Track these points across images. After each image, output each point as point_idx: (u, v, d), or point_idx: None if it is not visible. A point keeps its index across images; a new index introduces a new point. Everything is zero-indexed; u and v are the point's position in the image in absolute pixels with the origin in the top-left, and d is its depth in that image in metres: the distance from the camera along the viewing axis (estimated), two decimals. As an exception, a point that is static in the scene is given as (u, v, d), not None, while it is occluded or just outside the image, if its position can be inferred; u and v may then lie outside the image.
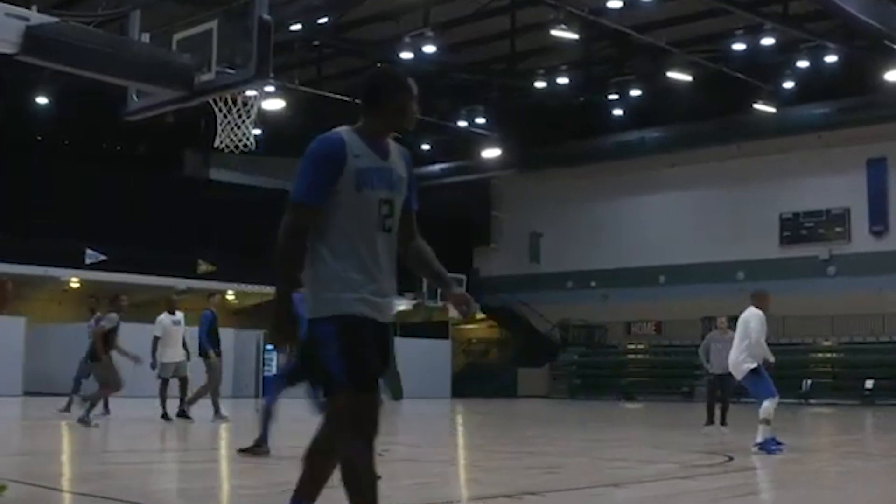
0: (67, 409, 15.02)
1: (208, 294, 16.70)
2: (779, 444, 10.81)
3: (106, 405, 15.27)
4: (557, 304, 38.01)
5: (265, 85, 16.59)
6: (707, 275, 34.59)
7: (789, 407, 23.83)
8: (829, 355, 32.20)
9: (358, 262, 4.01)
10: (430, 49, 27.10)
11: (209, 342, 15.23)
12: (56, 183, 29.04)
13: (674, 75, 29.07)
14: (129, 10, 11.46)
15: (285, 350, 4.06)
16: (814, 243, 33.71)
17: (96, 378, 14.75)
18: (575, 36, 25.63)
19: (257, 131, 14.49)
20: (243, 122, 12.42)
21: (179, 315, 16.07)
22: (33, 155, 31.75)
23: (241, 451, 9.35)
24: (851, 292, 31.58)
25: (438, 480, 8.41)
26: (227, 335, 19.00)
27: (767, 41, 26.71)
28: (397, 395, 26.97)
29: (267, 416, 9.38)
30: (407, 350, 25.35)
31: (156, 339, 15.58)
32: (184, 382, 15.80)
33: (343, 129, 4.10)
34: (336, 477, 4.07)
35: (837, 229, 33.51)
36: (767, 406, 10.68)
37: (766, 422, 10.65)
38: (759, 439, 10.65)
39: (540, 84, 31.26)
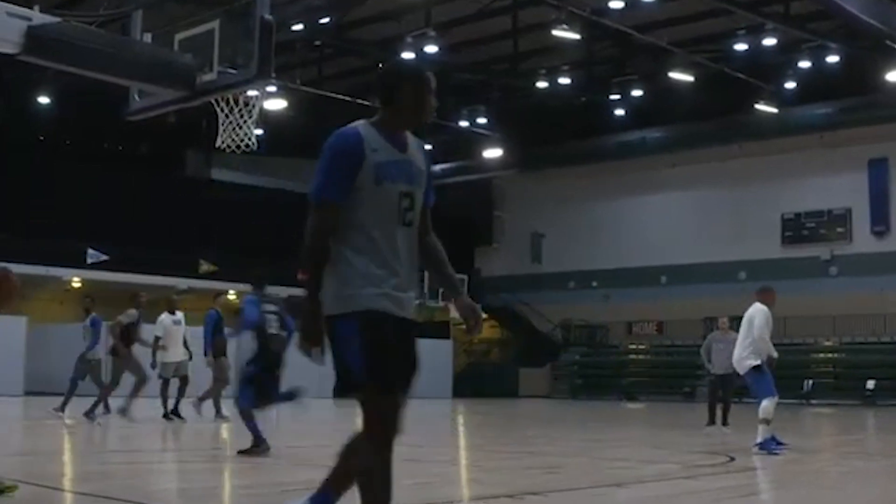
0: (62, 409, 15.05)
1: (214, 294, 16.71)
2: (780, 443, 10.82)
3: (106, 405, 15.28)
4: (559, 304, 38.03)
5: (267, 85, 16.58)
6: (708, 275, 34.60)
7: (790, 407, 23.84)
8: (830, 355, 32.21)
9: (379, 257, 3.96)
10: (431, 49, 27.09)
11: (213, 343, 15.23)
12: (57, 183, 29.08)
13: (675, 75, 29.07)
14: (130, 10, 11.46)
15: (310, 354, 3.95)
16: (815, 243, 33.71)
17: (115, 373, 15.14)
18: (576, 36, 25.65)
19: (259, 131, 14.48)
20: (245, 122, 12.42)
21: (180, 315, 16.14)
22: (35, 155, 31.81)
23: (241, 452, 9.36)
24: (853, 292, 31.58)
25: (439, 480, 8.41)
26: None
27: (769, 41, 26.70)
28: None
29: (248, 419, 9.40)
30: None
31: (156, 339, 15.64)
32: (184, 382, 15.84)
33: (360, 124, 4.06)
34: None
35: (839, 229, 33.52)
36: (767, 405, 10.68)
37: (766, 422, 10.65)
38: (760, 439, 10.66)
39: (541, 84, 31.29)
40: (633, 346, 36.82)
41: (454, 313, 25.96)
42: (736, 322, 11.91)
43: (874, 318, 31.05)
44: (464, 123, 33.74)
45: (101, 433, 13.21)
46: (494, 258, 41.08)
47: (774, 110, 30.29)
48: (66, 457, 10.55)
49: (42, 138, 34.33)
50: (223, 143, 12.61)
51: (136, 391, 14.82)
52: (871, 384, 29.60)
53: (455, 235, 35.03)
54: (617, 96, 32.27)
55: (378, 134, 4.03)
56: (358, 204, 3.95)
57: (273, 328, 9.52)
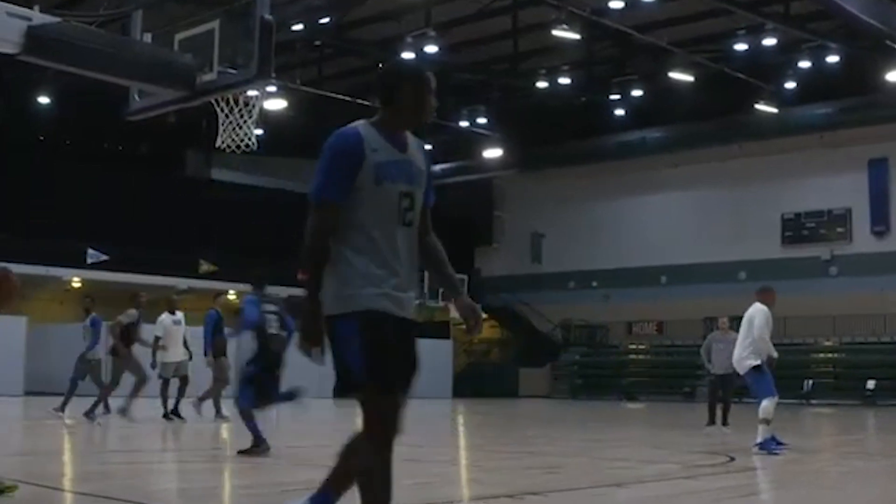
0: (62, 409, 15.06)
1: (214, 294, 16.71)
2: (780, 443, 10.82)
3: (106, 405, 15.29)
4: (559, 304, 38.03)
5: (267, 85, 16.58)
6: (708, 275, 34.61)
7: (790, 407, 23.83)
8: (830, 355, 32.21)
9: (379, 257, 3.96)
10: (431, 49, 27.09)
11: (213, 343, 15.23)
12: (57, 183, 29.08)
13: (675, 75, 29.07)
14: (130, 10, 11.46)
15: (310, 354, 3.92)
16: (815, 243, 33.72)
17: (115, 373, 15.15)
18: (576, 36, 25.65)
19: (259, 131, 14.47)
20: (245, 122, 12.42)
21: (180, 315, 16.15)
22: (35, 155, 31.80)
23: (241, 452, 9.36)
24: (853, 292, 31.59)
25: (439, 480, 8.41)
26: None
27: (769, 41, 26.70)
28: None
29: (248, 419, 9.40)
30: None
31: (156, 339, 15.65)
32: (184, 382, 15.84)
33: (360, 124, 4.06)
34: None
35: (839, 229, 33.52)
36: (766, 405, 10.68)
37: (766, 422, 10.65)
38: (759, 439, 10.66)
39: (541, 84, 31.29)
40: (633, 346, 36.82)
41: (454, 313, 25.96)
42: (736, 322, 11.91)
43: (874, 318, 31.05)
44: (464, 123, 33.74)
45: (101, 433, 13.21)
46: (494, 258, 41.08)
47: (774, 110, 30.29)
48: (66, 457, 10.55)
49: (42, 138, 34.33)
50: (223, 143, 12.61)
51: (136, 391, 14.84)
52: (871, 384, 29.60)
53: (455, 235, 35.00)
54: (617, 96, 32.26)
55: (378, 134, 4.03)
56: (358, 204, 3.95)
57: (273, 328, 9.52)
